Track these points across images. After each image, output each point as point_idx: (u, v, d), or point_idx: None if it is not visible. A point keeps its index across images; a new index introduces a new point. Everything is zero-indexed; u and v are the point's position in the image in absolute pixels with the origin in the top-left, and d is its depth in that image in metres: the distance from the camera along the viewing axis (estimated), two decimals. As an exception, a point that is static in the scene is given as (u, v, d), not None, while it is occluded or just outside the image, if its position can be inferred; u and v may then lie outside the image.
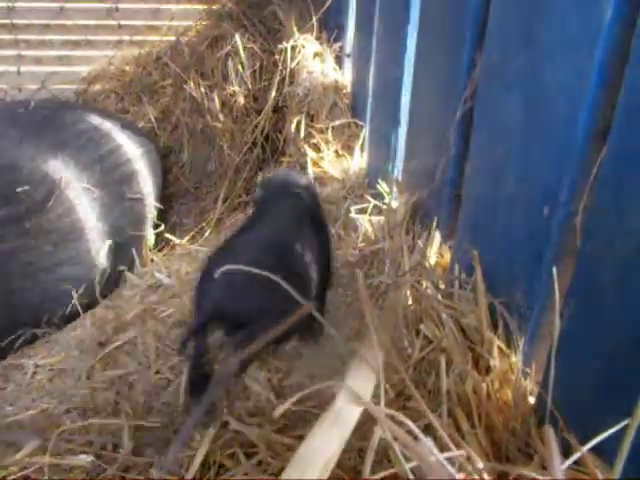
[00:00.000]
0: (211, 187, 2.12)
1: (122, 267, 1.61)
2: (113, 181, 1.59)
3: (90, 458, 0.93)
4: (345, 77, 2.01)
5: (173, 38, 2.64)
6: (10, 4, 2.70)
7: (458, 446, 0.60)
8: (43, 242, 1.35)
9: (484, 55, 0.97)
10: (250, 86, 2.13)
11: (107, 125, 1.73)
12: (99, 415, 1.03)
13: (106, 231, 1.53)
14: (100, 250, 1.50)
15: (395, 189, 1.40)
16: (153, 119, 2.40)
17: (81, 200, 1.46)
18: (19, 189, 1.32)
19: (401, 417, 0.51)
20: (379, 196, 1.43)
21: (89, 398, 1.11)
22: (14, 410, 1.09)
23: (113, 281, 1.59)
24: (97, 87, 2.71)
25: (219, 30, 2.37)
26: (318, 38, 2.13)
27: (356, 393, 0.52)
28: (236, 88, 2.12)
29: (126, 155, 1.70)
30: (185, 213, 2.08)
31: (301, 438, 0.85)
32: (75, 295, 1.40)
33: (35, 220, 1.33)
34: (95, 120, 1.72)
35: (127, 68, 2.70)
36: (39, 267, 1.34)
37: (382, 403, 0.54)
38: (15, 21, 2.75)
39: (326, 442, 0.49)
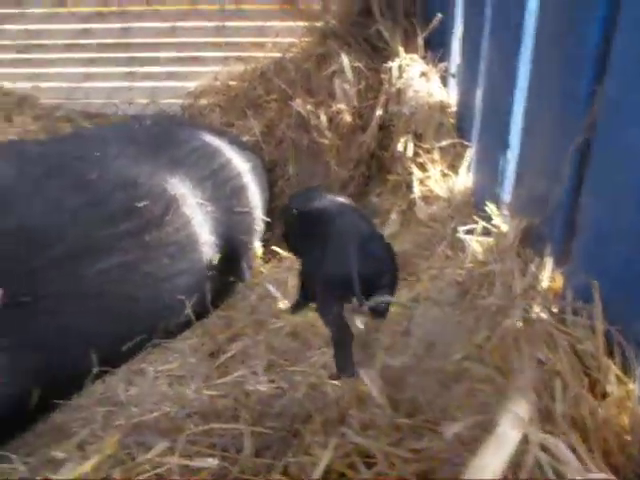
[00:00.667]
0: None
1: (232, 278, 1.68)
2: (223, 195, 1.66)
3: (216, 461, 0.99)
4: (450, 97, 2.01)
5: (278, 55, 2.71)
6: (125, 25, 2.86)
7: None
8: (161, 254, 1.42)
9: (605, 87, 0.97)
10: (356, 104, 2.17)
11: (216, 141, 1.80)
12: (219, 420, 1.08)
13: (217, 244, 1.59)
14: (212, 262, 1.57)
15: (505, 212, 1.40)
16: (258, 133, 2.47)
17: (195, 215, 1.53)
18: (140, 204, 1.40)
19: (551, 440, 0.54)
20: (486, 217, 1.43)
21: (208, 404, 1.17)
22: (139, 412, 1.16)
23: (224, 292, 1.66)
24: (203, 101, 2.81)
25: (324, 48, 2.42)
26: (423, 57, 2.14)
27: (517, 418, 0.56)
28: (342, 105, 2.16)
29: (235, 170, 1.77)
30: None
31: (416, 452, 0.88)
32: (189, 305, 1.47)
33: (154, 233, 1.41)
34: (205, 137, 1.80)
35: (232, 83, 2.79)
36: (157, 277, 1.41)
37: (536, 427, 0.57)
38: (129, 40, 2.90)
39: (492, 461, 0.54)
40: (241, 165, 1.78)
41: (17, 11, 2.89)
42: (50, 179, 1.31)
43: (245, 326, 1.48)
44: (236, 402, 1.12)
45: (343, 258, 1.14)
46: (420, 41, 2.16)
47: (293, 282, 1.64)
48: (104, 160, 1.43)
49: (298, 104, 2.26)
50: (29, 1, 2.90)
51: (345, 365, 1.11)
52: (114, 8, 2.82)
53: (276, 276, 1.74)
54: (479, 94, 1.64)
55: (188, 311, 1.47)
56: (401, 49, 2.17)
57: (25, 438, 1.23)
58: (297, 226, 1.41)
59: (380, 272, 1.19)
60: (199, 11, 2.80)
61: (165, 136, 1.67)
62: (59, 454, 1.10)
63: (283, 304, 1.52)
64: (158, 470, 0.99)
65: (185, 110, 2.78)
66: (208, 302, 1.56)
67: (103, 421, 1.22)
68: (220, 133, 1.88)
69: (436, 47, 2.14)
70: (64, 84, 2.96)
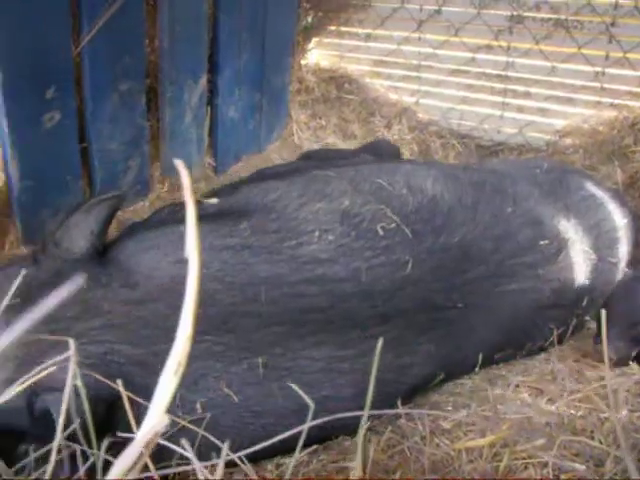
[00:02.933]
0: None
1: (588, 318, 1.86)
2: (603, 245, 1.83)
3: (583, 466, 1.19)
4: None
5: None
6: (510, 59, 3.11)
7: None
8: (546, 287, 1.64)
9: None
10: None
11: (602, 193, 1.97)
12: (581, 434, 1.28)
13: (588, 287, 1.77)
14: (582, 302, 1.76)
15: None
16: (620, 182, 2.58)
17: (579, 259, 1.73)
18: (542, 242, 1.63)
19: None
20: None
21: (567, 420, 1.37)
22: (503, 409, 1.40)
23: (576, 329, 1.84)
24: (568, 141, 2.98)
25: None
26: None
27: None
28: None
29: (614, 224, 1.92)
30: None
31: None
32: (555, 332, 1.68)
33: (546, 268, 1.63)
34: (593, 188, 1.97)
35: (600, 128, 2.91)
36: (539, 305, 1.64)
37: None
38: (509, 73, 3.16)
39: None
40: (620, 220, 1.93)
41: (416, 36, 3.30)
42: (479, 206, 1.60)
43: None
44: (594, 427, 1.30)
45: None
46: None
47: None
48: (516, 197, 1.69)
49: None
50: (427, 29, 3.28)
51: None
52: (503, 43, 3.08)
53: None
54: None
55: (553, 339, 1.69)
56: None
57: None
58: None
59: None
60: (583, 55, 2.94)
61: (560, 183, 1.88)
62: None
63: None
64: (530, 461, 1.22)
65: (549, 147, 2.98)
66: (566, 336, 1.76)
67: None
68: (604, 187, 2.03)
69: None
70: (442, 104, 3.32)
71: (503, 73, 3.16)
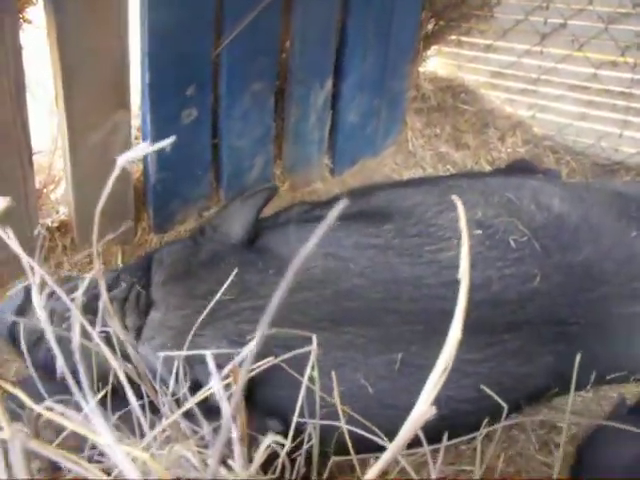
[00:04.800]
0: None
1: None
2: None
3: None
4: None
5: None
6: (635, 76, 3.06)
7: None
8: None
9: None
10: None
11: None
12: None
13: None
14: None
15: None
16: None
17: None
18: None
19: None
20: None
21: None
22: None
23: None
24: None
25: None
26: None
27: None
28: None
29: None
30: None
31: None
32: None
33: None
34: None
35: None
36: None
37: None
38: (633, 91, 3.10)
39: None
40: None
41: (538, 49, 3.28)
42: (603, 227, 1.62)
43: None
44: None
45: None
46: None
47: None
48: (640, 221, 1.70)
49: None
50: (549, 42, 3.27)
51: None
52: (630, 59, 3.03)
53: None
54: None
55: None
56: None
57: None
58: None
59: None
60: None
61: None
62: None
63: None
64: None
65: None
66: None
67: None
68: None
69: None
70: (559, 119, 3.29)
71: (627, 90, 3.11)
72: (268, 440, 0.62)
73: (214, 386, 0.56)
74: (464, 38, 3.58)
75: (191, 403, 0.79)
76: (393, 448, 0.47)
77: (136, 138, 2.26)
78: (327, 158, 2.91)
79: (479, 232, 1.47)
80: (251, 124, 2.45)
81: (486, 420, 1.23)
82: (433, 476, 0.90)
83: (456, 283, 1.44)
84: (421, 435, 0.91)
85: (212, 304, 1.16)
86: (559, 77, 3.29)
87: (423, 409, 0.45)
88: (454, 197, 0.55)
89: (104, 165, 1.97)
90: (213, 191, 2.43)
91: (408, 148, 3.23)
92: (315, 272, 1.41)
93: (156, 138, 2.12)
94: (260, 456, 0.59)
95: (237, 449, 0.61)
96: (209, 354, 0.60)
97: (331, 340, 1.34)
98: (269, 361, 0.99)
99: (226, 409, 0.55)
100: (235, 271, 1.30)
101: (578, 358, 1.27)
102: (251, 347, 0.45)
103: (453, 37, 3.60)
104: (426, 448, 0.98)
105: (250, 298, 1.36)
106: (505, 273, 1.44)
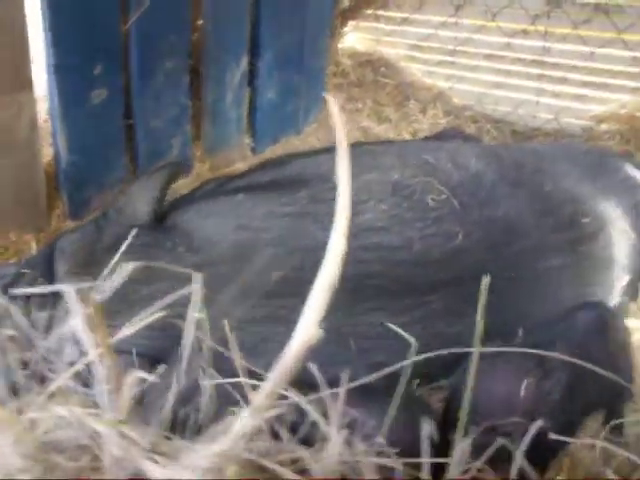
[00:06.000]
0: None
1: (626, 299, 1.87)
2: (640, 227, 1.84)
3: None
4: None
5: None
6: (547, 44, 3.12)
7: None
8: (587, 264, 1.67)
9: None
10: None
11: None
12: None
13: (627, 267, 1.79)
14: (620, 282, 1.78)
15: None
16: (656, 168, 2.58)
17: (618, 238, 1.74)
18: (583, 219, 1.65)
19: None
20: None
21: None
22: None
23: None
24: (604, 127, 2.98)
25: None
26: None
27: None
28: None
29: (654, 205, 1.93)
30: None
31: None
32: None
33: (587, 246, 1.65)
34: (632, 170, 1.98)
35: (638, 114, 2.91)
36: (579, 282, 1.66)
37: None
38: (546, 59, 3.16)
39: None
40: (657, 201, 1.94)
41: (453, 20, 3.31)
42: (520, 184, 1.63)
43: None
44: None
45: None
46: None
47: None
48: (556, 176, 1.72)
49: None
50: (464, 13, 3.29)
51: None
52: (541, 27, 3.08)
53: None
54: None
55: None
56: None
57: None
58: None
59: None
60: (623, 40, 2.93)
61: (599, 164, 1.90)
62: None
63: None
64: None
65: (585, 133, 2.98)
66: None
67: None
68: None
69: None
70: (477, 89, 3.33)
71: (539, 58, 3.16)
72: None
73: (76, 322, 0.51)
74: (381, 12, 3.57)
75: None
76: (277, 372, 0.44)
77: (45, 121, 2.15)
78: (248, 137, 2.86)
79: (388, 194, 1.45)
80: (166, 104, 2.38)
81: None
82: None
83: (375, 246, 1.44)
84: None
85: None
86: (475, 47, 3.32)
87: (309, 331, 0.41)
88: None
89: (9, 149, 1.88)
90: (130, 174, 2.34)
91: (330, 124, 3.20)
92: (226, 246, 1.36)
93: (65, 120, 2.04)
94: (126, 397, 0.55)
95: (103, 389, 0.57)
96: (69, 289, 0.55)
97: (251, 314, 1.29)
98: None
99: (88, 340, 0.51)
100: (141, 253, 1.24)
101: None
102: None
103: (370, 12, 3.59)
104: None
105: (161, 279, 1.30)
106: (426, 233, 1.42)
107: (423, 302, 1.36)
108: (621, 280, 1.77)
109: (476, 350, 0.88)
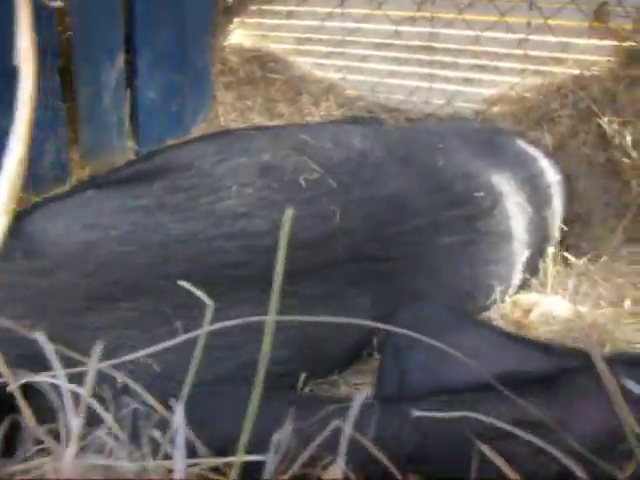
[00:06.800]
0: (605, 217, 2.25)
1: (528, 275, 1.83)
2: (537, 200, 1.80)
3: None
4: None
5: (576, 72, 2.78)
6: (434, 30, 3.09)
7: None
8: (484, 240, 1.61)
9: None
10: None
11: (534, 151, 1.95)
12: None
13: (526, 242, 1.74)
14: (520, 257, 1.72)
15: None
16: (550, 146, 2.58)
17: (515, 212, 1.69)
18: (476, 194, 1.59)
19: None
20: None
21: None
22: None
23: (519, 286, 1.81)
24: (496, 109, 2.97)
25: (634, 69, 2.45)
26: None
27: None
28: (648, 128, 2.20)
29: (547, 179, 1.90)
30: (576, 237, 2.22)
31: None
32: (498, 290, 1.64)
33: (483, 221, 1.59)
34: (524, 145, 1.95)
35: (527, 95, 2.91)
36: (477, 260, 1.60)
37: None
38: (435, 44, 3.13)
39: None
40: (552, 176, 1.91)
41: (339, 11, 3.23)
42: (409, 162, 1.54)
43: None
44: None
45: None
46: None
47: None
48: (448, 152, 1.65)
49: (604, 121, 2.33)
50: (349, 3, 3.23)
51: None
52: (427, 14, 3.04)
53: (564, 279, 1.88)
54: None
55: (496, 297, 1.65)
56: None
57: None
58: None
59: None
60: (506, 23, 2.93)
61: (492, 140, 1.86)
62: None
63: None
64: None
65: (478, 115, 2.96)
66: (510, 291, 1.72)
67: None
68: (537, 146, 2.03)
69: None
70: (369, 78, 3.27)
71: (428, 44, 3.13)
72: None
73: None
74: (266, 7, 3.46)
75: None
76: None
77: None
78: (131, 140, 2.69)
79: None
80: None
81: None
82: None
83: (238, 233, 1.32)
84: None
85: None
86: (363, 37, 3.26)
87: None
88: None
89: None
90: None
91: (220, 123, 3.08)
92: (72, 248, 1.21)
93: None
94: None
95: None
96: None
97: (101, 321, 1.14)
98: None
99: None
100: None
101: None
102: None
103: (254, 7, 3.48)
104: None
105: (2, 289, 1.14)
106: (298, 215, 1.30)
107: (297, 289, 1.25)
108: (521, 256, 1.72)
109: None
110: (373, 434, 0.83)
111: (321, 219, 1.32)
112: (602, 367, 0.63)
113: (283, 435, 0.79)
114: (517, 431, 0.74)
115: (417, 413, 0.85)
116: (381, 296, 1.34)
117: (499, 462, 0.59)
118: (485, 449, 0.60)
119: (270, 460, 0.76)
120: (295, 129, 1.56)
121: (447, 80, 3.14)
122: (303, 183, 1.34)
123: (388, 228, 1.39)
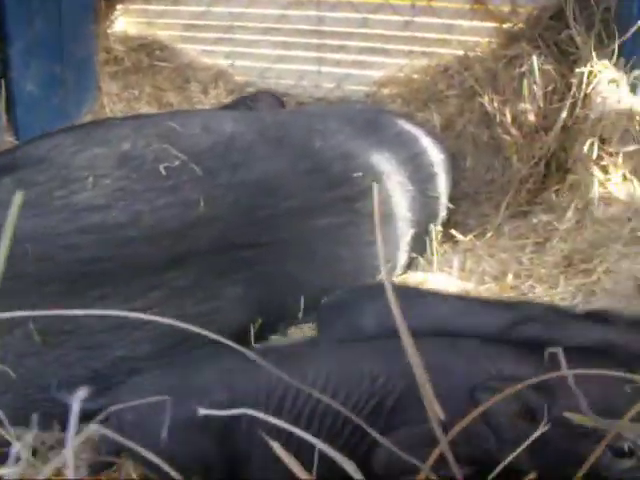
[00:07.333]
0: (491, 194, 2.29)
1: (415, 254, 1.83)
2: (420, 179, 1.81)
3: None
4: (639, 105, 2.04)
5: (461, 53, 2.82)
6: (320, 14, 3.06)
7: None
8: (366, 221, 1.59)
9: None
10: (541, 105, 2.24)
11: (416, 130, 1.95)
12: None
13: (410, 221, 1.74)
14: (405, 236, 1.72)
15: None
16: (438, 126, 2.60)
17: (396, 192, 1.69)
18: (355, 174, 1.57)
19: None
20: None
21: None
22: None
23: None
24: (386, 91, 2.97)
25: (512, 49, 2.51)
26: (615, 64, 2.18)
27: None
28: (527, 105, 2.25)
29: (431, 157, 1.91)
30: (463, 215, 2.25)
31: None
32: (383, 270, 1.63)
33: (363, 202, 1.58)
34: (406, 125, 1.95)
35: (415, 76, 2.93)
36: (359, 241, 1.59)
37: None
38: (322, 28, 3.11)
39: None
40: (435, 155, 1.92)
41: (225, -5, 3.16)
42: (283, 144, 1.50)
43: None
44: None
45: None
46: (613, 48, 2.20)
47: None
48: (326, 133, 1.62)
49: (484, 100, 2.37)
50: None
51: None
52: (313, -3, 3.02)
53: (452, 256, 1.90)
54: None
55: (382, 276, 1.64)
56: (593, 54, 2.22)
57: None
58: None
59: None
60: (391, 5, 2.94)
61: (374, 120, 1.85)
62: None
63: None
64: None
65: (369, 98, 2.96)
66: (397, 271, 1.71)
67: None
68: (419, 125, 2.03)
69: (629, 55, 2.18)
70: (258, 64, 3.21)
71: (316, 28, 3.10)
72: None
73: None
74: (149, -7, 3.35)
75: None
76: None
77: None
78: (10, 134, 2.55)
79: None
80: None
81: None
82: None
83: (95, 227, 1.25)
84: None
85: None
86: (251, 22, 3.20)
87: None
88: None
89: None
90: None
91: (106, 114, 2.94)
92: None
93: None
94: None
95: None
96: None
97: None
98: None
99: None
100: None
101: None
102: None
103: (138, -6, 3.36)
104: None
105: None
106: (159, 204, 1.25)
107: (162, 281, 1.19)
108: (405, 235, 1.72)
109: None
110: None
111: (184, 207, 1.27)
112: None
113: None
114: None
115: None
116: (256, 284, 1.30)
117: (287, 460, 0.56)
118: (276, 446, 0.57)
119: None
120: (164, 117, 1.49)
121: (336, 63, 3.12)
122: (163, 171, 1.28)
123: (258, 212, 1.35)
